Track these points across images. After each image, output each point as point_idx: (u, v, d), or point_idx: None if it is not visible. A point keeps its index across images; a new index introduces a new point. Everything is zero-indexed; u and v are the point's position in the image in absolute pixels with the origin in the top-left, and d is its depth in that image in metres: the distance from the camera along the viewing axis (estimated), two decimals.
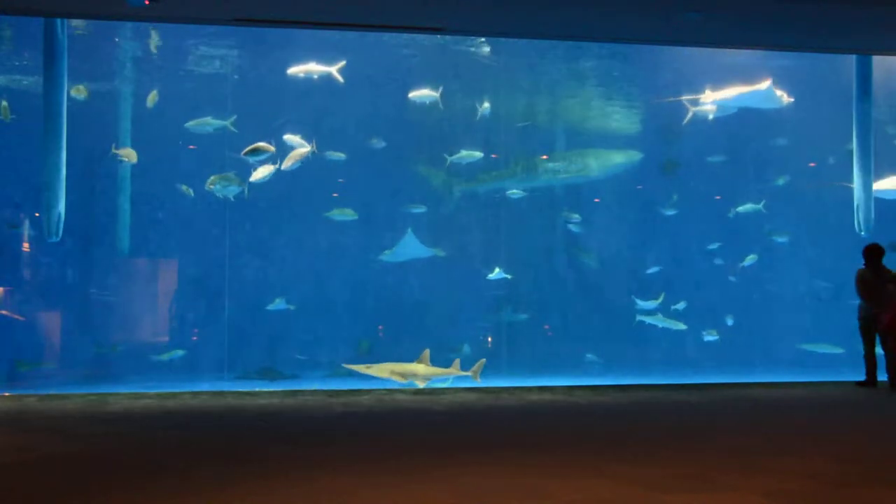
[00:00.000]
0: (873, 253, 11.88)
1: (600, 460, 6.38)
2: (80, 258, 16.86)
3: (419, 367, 13.45)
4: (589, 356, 18.03)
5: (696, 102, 17.24)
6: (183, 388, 11.57)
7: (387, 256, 16.95)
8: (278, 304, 16.27)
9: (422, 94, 16.72)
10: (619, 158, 18.64)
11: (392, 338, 17.43)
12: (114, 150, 15.06)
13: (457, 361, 13.77)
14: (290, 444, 7.32)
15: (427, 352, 13.58)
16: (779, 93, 16.42)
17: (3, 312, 15.91)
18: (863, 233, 14.65)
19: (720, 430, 8.23)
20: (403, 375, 13.43)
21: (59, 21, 12.73)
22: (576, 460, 6.39)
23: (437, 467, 6.14)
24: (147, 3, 10.22)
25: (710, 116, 17.56)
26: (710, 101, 17.17)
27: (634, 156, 18.74)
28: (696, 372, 16.56)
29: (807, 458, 6.45)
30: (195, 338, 16.82)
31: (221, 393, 10.98)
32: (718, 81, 17.36)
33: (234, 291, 16.89)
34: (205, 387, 12.29)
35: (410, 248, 16.47)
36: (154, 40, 17.12)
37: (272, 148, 13.92)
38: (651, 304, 17.66)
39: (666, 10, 11.02)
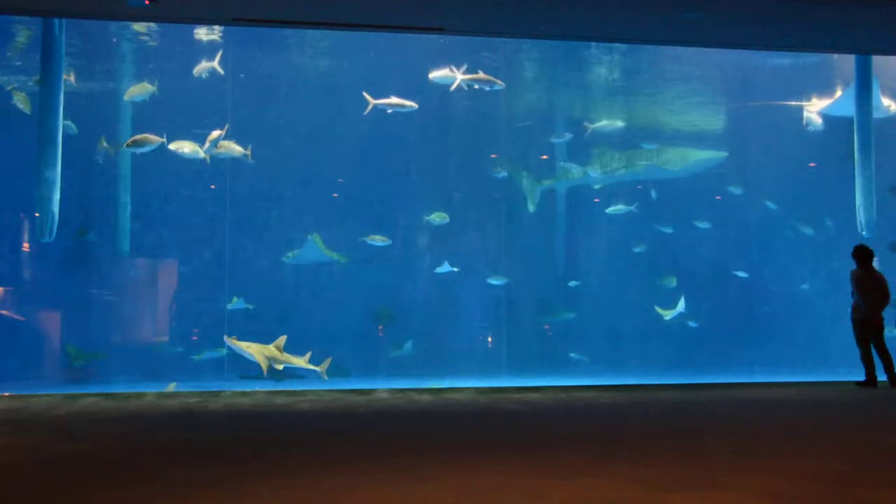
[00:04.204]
0: (863, 254, 11.93)
1: (600, 460, 6.37)
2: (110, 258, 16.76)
3: (274, 351, 13.88)
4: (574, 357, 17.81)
5: (805, 107, 17.11)
6: (183, 389, 11.59)
7: (288, 259, 16.96)
8: (237, 303, 16.01)
9: (441, 74, 15.66)
10: (701, 157, 18.34)
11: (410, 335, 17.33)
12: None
13: (308, 354, 14.12)
14: (291, 443, 7.32)
15: (284, 337, 13.95)
16: (886, 102, 16.11)
17: (6, 314, 15.85)
18: (864, 232, 14.64)
19: (720, 429, 8.22)
20: (266, 358, 13.82)
21: (57, 20, 12.75)
22: (575, 460, 6.37)
23: (437, 466, 6.13)
24: (147, 2, 10.24)
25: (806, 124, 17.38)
26: (818, 108, 16.94)
27: (718, 155, 18.45)
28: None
29: (806, 458, 6.43)
30: (195, 337, 16.76)
31: (222, 393, 10.97)
32: (824, 88, 17.19)
33: (237, 290, 16.79)
34: (206, 386, 12.28)
35: (310, 253, 16.60)
36: (150, 38, 17.03)
37: (157, 139, 13.90)
38: (672, 312, 17.44)
39: (666, 10, 11.04)
